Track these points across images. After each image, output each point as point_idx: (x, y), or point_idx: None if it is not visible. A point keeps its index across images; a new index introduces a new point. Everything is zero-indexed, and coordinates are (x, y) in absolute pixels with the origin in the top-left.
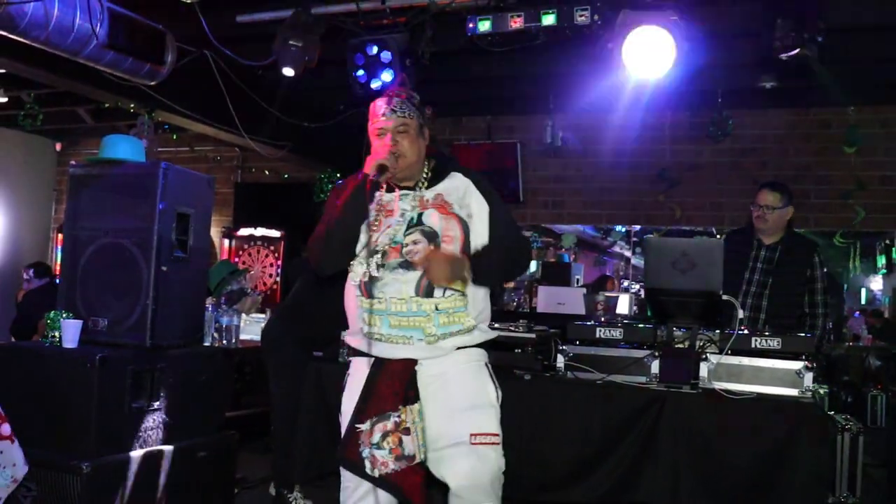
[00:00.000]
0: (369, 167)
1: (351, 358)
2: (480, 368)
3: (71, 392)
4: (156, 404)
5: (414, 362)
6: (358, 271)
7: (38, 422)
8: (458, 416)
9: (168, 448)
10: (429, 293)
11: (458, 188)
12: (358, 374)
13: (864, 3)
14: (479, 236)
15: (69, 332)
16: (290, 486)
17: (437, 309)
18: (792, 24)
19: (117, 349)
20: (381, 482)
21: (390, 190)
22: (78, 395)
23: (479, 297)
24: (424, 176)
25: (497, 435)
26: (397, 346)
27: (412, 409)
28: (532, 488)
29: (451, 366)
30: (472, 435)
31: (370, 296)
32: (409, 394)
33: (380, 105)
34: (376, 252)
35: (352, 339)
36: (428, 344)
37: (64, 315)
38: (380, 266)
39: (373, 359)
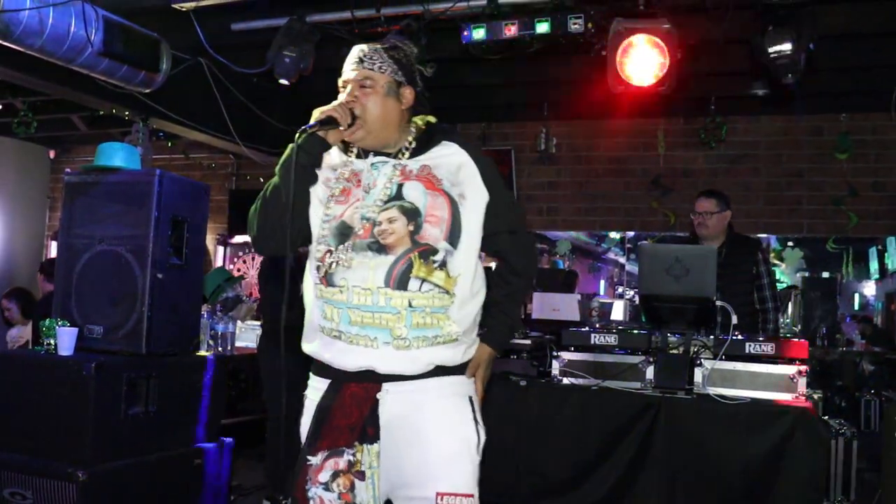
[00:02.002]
0: (313, 118)
1: (312, 374)
2: (463, 406)
3: (66, 400)
4: (152, 411)
5: (376, 388)
6: (317, 253)
7: (33, 430)
8: (428, 466)
9: (164, 455)
10: (402, 285)
11: (451, 162)
12: (314, 396)
13: (855, 11)
14: (471, 225)
15: (64, 339)
16: (285, 493)
17: (410, 305)
18: (783, 32)
19: (113, 356)
20: None
21: (361, 156)
22: (74, 403)
23: (466, 296)
24: (407, 144)
25: (471, 496)
26: (357, 347)
27: (369, 450)
28: (528, 495)
29: (427, 402)
30: (439, 495)
31: (330, 283)
32: (368, 431)
33: (351, 52)
34: (342, 230)
35: (307, 344)
36: (396, 349)
37: (59, 323)
38: (344, 247)
39: (330, 380)
